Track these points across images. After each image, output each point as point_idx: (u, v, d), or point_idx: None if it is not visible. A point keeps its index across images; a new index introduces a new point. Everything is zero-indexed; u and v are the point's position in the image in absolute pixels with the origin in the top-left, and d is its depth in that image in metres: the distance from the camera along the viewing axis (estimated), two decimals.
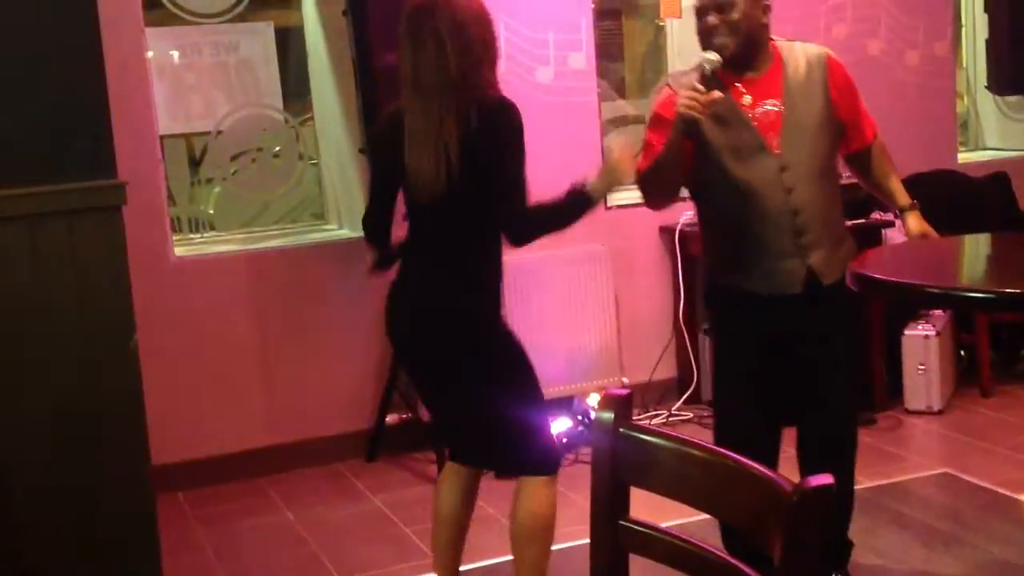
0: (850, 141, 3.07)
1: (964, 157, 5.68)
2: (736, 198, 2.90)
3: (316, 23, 4.77)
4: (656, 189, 2.99)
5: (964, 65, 6.03)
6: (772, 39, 2.98)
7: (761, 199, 2.88)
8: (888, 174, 3.16)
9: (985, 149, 6.02)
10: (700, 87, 2.76)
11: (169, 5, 4.62)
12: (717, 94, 2.77)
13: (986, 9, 5.22)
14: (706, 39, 2.89)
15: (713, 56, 2.82)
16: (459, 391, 2.91)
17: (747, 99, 2.91)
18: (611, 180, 2.86)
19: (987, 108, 6.05)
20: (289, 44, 5.01)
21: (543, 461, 2.89)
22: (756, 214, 2.89)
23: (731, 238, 2.97)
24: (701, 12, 2.91)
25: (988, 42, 5.21)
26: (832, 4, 5.17)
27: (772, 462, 2.97)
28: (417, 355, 2.99)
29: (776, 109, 2.90)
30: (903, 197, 3.14)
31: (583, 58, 4.82)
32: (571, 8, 4.80)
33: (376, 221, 3.03)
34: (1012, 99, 5.71)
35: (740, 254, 2.95)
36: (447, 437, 3.12)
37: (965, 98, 6.06)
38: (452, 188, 2.75)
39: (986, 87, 5.40)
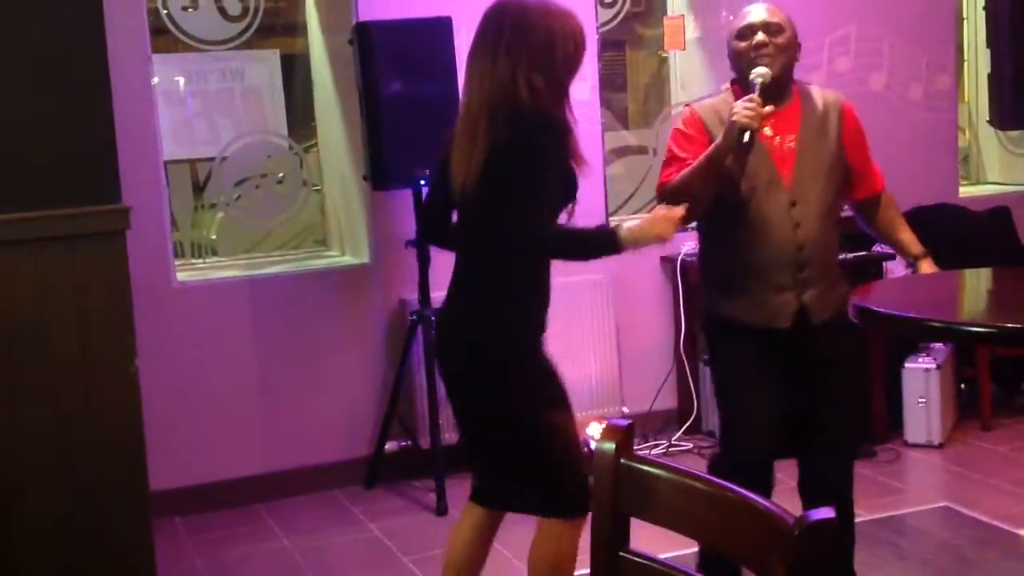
0: (859, 187, 3.11)
1: (965, 191, 5.70)
2: (745, 226, 2.93)
3: (322, 51, 4.80)
4: (682, 198, 2.89)
5: (966, 99, 6.06)
6: (794, 80, 3.05)
7: (770, 230, 2.92)
8: (899, 224, 3.21)
9: (987, 183, 6.04)
10: (757, 99, 2.82)
11: (176, 32, 4.65)
12: (770, 108, 2.84)
13: (988, 44, 5.24)
14: (751, 58, 2.93)
15: (764, 70, 2.89)
16: (479, 419, 2.82)
17: (767, 131, 2.95)
18: (647, 234, 2.74)
19: (989, 142, 6.07)
20: (295, 71, 5.04)
21: (563, 504, 2.74)
22: (763, 244, 2.92)
23: (733, 266, 2.98)
24: (748, 32, 2.95)
25: (990, 77, 5.23)
26: (835, 38, 5.20)
27: (768, 489, 2.98)
28: (445, 377, 2.90)
29: (792, 145, 2.96)
30: (916, 246, 3.17)
31: (587, 88, 4.84)
32: None
33: (425, 234, 3.08)
34: (1014, 134, 5.74)
35: (738, 283, 2.97)
36: (472, 469, 3.01)
37: (967, 132, 6.08)
38: (474, 197, 2.68)
39: (988, 121, 5.42)
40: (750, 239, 2.93)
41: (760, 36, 2.92)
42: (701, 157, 2.89)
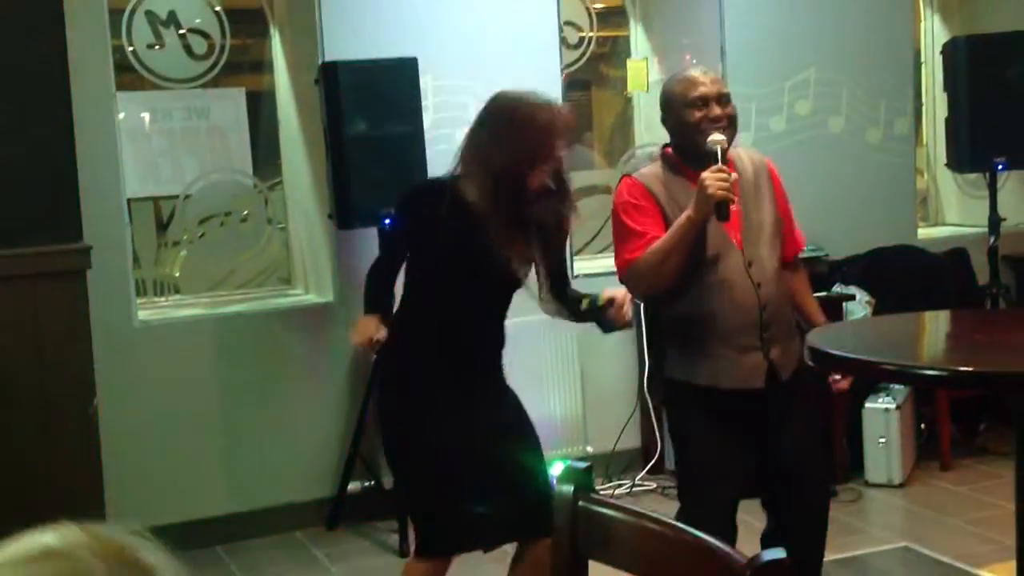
0: (786, 247, 3.10)
1: (924, 233, 5.77)
2: (709, 290, 2.92)
3: (288, 90, 4.82)
4: (659, 275, 2.88)
5: (924, 142, 6.15)
6: None
7: (733, 292, 2.91)
8: (809, 290, 3.21)
9: (945, 225, 6.12)
10: (724, 168, 2.80)
11: (142, 70, 4.65)
12: (736, 175, 2.84)
13: (945, 88, 5.35)
14: (706, 129, 2.90)
15: (720, 136, 2.87)
16: None
17: None
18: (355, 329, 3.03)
19: (947, 185, 6.16)
20: (261, 109, 5.05)
21: (417, 542, 2.97)
22: (728, 306, 2.91)
23: (698, 331, 2.95)
24: (702, 102, 2.92)
25: (947, 120, 5.33)
26: (795, 82, 5.28)
27: (733, 540, 2.98)
28: None
29: (735, 208, 2.91)
30: (821, 316, 3.17)
31: None
32: (541, 79, 4.84)
33: None
34: (971, 176, 5.82)
35: (705, 347, 2.94)
36: None
37: (925, 175, 6.18)
38: None
39: (946, 164, 5.51)
40: (715, 303, 2.91)
41: (716, 109, 2.90)
42: (671, 232, 2.84)
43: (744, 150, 3.12)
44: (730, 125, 2.93)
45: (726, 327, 2.91)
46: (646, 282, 2.91)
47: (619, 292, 2.85)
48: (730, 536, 2.96)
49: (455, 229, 2.82)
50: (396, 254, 2.99)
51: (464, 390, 2.90)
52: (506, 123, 2.81)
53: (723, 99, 2.94)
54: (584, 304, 2.88)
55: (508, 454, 2.92)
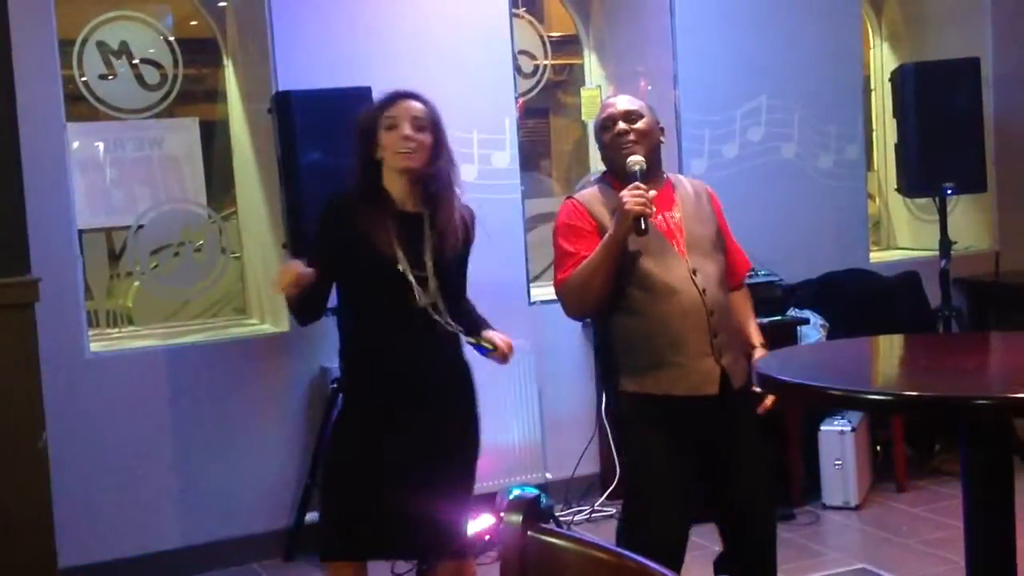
0: (731, 273, 3.17)
1: (876, 256, 5.85)
2: (656, 298, 2.96)
3: (241, 120, 4.80)
4: (587, 292, 2.96)
5: (875, 168, 6.24)
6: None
7: (680, 297, 2.96)
8: (749, 316, 3.23)
9: (896, 249, 6.21)
10: (640, 185, 2.89)
11: (93, 101, 4.63)
12: (653, 192, 2.92)
13: (895, 114, 5.43)
14: (617, 147, 3.03)
15: (639, 157, 2.98)
16: None
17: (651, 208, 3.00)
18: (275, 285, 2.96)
19: (898, 209, 6.25)
20: (214, 138, 5.03)
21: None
22: (676, 312, 2.95)
23: (649, 339, 2.97)
24: (609, 122, 3.06)
25: (897, 146, 5.41)
26: (747, 109, 5.34)
27: (680, 562, 2.98)
28: None
29: (677, 220, 3.03)
30: (758, 336, 3.19)
31: (507, 157, 4.90)
32: (496, 108, 4.89)
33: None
34: (921, 201, 5.91)
35: (658, 356, 2.97)
36: None
37: (877, 199, 6.26)
38: None
39: (896, 189, 5.59)
40: (663, 310, 2.96)
41: (621, 125, 3.03)
42: (597, 250, 2.93)
43: (687, 179, 3.24)
44: (641, 138, 3.02)
45: (677, 333, 2.95)
46: (576, 298, 3.01)
47: (502, 343, 3.03)
48: (678, 560, 2.96)
49: (344, 234, 2.93)
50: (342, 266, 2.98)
51: (386, 405, 2.93)
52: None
53: (629, 116, 3.05)
54: (472, 339, 3.06)
55: (422, 473, 2.91)
